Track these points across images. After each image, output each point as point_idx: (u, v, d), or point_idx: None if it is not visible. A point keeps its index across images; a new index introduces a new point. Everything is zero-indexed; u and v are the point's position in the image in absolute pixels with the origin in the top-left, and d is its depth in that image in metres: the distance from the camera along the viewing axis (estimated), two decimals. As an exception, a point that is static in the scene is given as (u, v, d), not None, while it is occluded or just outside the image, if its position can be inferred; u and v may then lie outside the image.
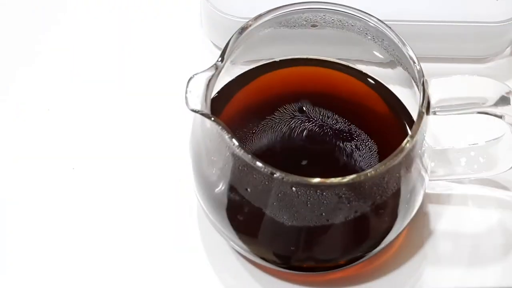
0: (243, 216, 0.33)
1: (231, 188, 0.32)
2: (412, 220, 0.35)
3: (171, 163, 0.40)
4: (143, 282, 0.37)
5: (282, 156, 0.36)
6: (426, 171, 0.35)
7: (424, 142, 0.33)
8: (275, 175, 0.29)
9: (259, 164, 0.29)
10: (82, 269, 0.37)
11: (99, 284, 0.36)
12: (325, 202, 0.30)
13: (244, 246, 0.34)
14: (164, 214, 0.39)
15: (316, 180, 0.29)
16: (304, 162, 0.35)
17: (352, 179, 0.29)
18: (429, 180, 0.35)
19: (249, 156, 0.29)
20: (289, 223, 0.31)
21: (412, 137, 0.31)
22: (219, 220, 0.34)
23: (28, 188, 0.39)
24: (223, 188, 0.32)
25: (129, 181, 0.40)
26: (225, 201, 0.33)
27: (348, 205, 0.31)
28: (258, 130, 0.36)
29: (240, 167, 0.30)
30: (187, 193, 0.38)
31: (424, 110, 0.32)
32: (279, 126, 0.36)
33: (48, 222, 0.38)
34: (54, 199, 0.39)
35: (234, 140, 0.30)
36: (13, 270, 0.37)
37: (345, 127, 0.37)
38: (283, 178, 0.29)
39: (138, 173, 0.40)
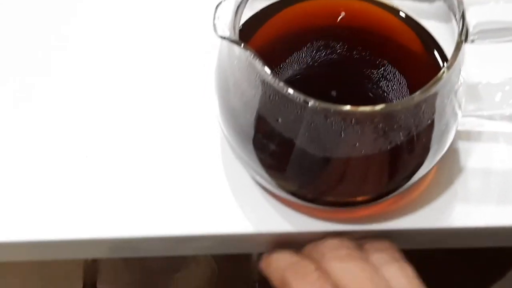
0: (271, 148, 0.32)
1: (260, 119, 0.31)
2: (442, 157, 0.34)
3: (194, 94, 0.39)
4: (166, 215, 0.36)
5: (311, 88, 0.34)
6: (459, 106, 0.34)
7: (459, 75, 0.32)
8: (309, 104, 0.28)
9: (292, 92, 0.28)
10: (106, 202, 0.36)
11: (123, 216, 0.36)
12: (360, 132, 0.29)
13: (271, 180, 0.33)
14: (187, 147, 0.38)
15: (353, 108, 0.27)
16: (333, 93, 0.34)
17: (389, 106, 0.28)
18: (462, 115, 0.34)
19: (282, 84, 0.28)
20: (321, 155, 0.30)
21: (449, 67, 0.30)
22: (246, 153, 0.33)
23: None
24: (251, 119, 0.31)
25: (151, 113, 0.39)
26: (253, 132, 0.32)
27: (383, 135, 0.29)
28: (286, 63, 0.35)
29: (270, 96, 0.29)
30: (210, 126, 0.37)
31: (462, 39, 0.30)
32: (307, 59, 0.35)
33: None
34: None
35: (265, 68, 0.28)
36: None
37: (375, 60, 0.35)
38: (317, 107, 0.28)
39: (161, 105, 0.39)
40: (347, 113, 0.28)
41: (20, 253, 0.37)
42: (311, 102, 0.28)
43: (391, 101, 0.34)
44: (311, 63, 0.35)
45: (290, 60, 0.35)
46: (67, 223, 0.36)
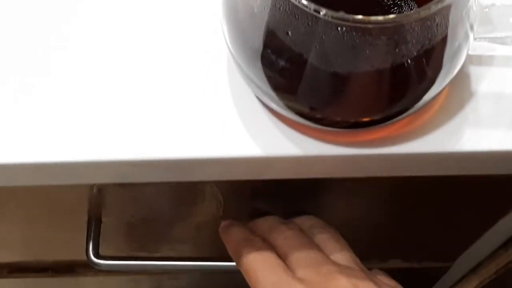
0: (280, 64, 0.31)
1: (269, 33, 0.30)
2: (453, 80, 0.34)
3: (199, 10, 0.38)
4: (172, 138, 0.35)
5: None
6: (471, 27, 0.33)
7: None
8: (320, 13, 0.27)
9: (304, 1, 0.27)
10: (113, 124, 0.36)
11: (130, 139, 0.35)
12: (372, 44, 0.28)
13: (279, 100, 0.33)
14: (192, 68, 0.37)
15: (366, 18, 0.26)
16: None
17: (404, 16, 0.27)
18: (473, 38, 0.34)
19: (292, -9, 0.27)
20: (331, 70, 0.30)
21: (463, -19, 0.29)
22: (253, 72, 0.32)
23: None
24: (259, 33, 0.30)
25: (155, 30, 0.38)
26: (261, 48, 0.31)
27: (396, 49, 0.29)
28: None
29: (280, 8, 0.28)
30: (216, 45, 0.37)
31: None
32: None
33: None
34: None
35: (276, -25, 0.28)
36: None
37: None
38: (329, 16, 0.27)
39: (165, 23, 0.38)
40: (360, 21, 0.27)
41: (25, 176, 0.37)
42: (322, 12, 0.27)
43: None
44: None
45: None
46: (75, 145, 0.35)
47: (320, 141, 0.35)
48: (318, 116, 0.33)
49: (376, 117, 0.33)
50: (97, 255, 0.51)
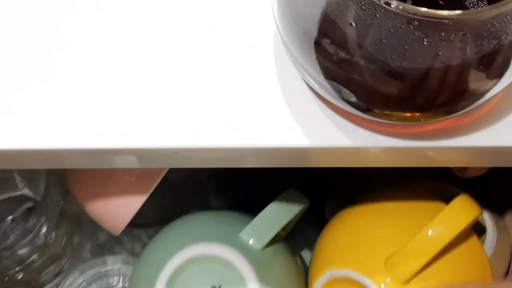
0: (340, 55, 0.29)
1: (329, 22, 0.28)
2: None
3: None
4: (219, 127, 0.34)
5: None
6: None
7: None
8: (392, 6, 0.25)
9: (373, -9, 0.25)
10: (162, 112, 0.34)
11: (178, 127, 0.34)
12: (444, 40, 0.26)
13: (334, 91, 0.31)
14: (239, 53, 0.35)
15: (447, 13, 0.25)
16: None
17: (480, 12, 0.25)
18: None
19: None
20: (394, 64, 0.28)
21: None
22: (307, 59, 0.30)
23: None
24: (316, 21, 0.29)
25: (201, 15, 0.36)
26: (318, 36, 0.29)
27: (467, 45, 0.27)
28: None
29: (346, -3, 0.27)
30: (265, 29, 0.35)
31: None
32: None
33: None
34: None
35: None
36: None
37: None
38: (401, 9, 0.25)
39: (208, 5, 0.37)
40: (436, 17, 0.25)
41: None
42: (393, 4, 0.25)
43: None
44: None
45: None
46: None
47: (374, 132, 0.34)
48: (374, 109, 0.31)
49: (436, 113, 0.31)
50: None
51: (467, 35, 0.27)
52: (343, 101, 0.32)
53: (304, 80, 0.34)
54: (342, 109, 0.33)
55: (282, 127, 0.34)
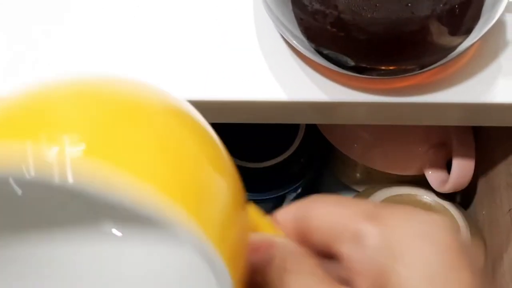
0: (314, 6, 0.29)
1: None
2: (490, 28, 0.32)
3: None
4: (199, 80, 0.34)
5: None
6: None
7: None
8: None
9: None
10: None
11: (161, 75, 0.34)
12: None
13: (309, 43, 0.31)
14: (218, 7, 0.36)
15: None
16: None
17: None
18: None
19: None
20: (368, 14, 0.28)
21: None
22: (282, 11, 0.31)
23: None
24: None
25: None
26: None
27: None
28: None
29: None
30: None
31: None
32: None
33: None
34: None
35: None
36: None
37: None
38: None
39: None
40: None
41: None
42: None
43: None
44: None
45: None
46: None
47: (349, 87, 0.34)
48: (350, 63, 0.32)
49: (410, 65, 0.31)
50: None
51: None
52: (317, 54, 0.32)
53: (281, 35, 0.35)
54: (317, 64, 0.34)
55: (259, 81, 0.34)
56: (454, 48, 0.31)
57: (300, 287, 0.21)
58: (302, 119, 0.37)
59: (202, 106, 0.34)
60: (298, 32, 0.31)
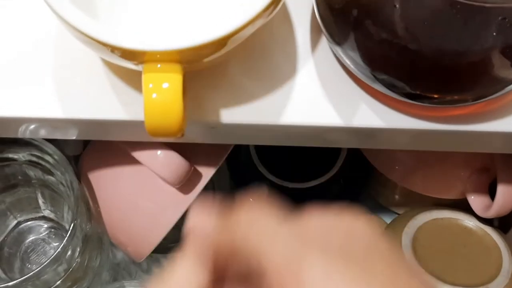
0: (381, 36, 0.29)
1: (372, 2, 0.29)
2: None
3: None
4: (253, 105, 0.35)
5: None
6: None
7: None
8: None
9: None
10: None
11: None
12: (487, 23, 0.27)
13: (370, 71, 0.32)
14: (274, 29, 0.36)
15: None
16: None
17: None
18: None
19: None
20: (437, 46, 0.28)
21: None
22: (344, 38, 0.31)
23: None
24: (360, 5, 0.29)
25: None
26: (358, 16, 0.30)
27: (507, 29, 0.28)
28: None
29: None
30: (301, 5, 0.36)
31: None
32: None
33: None
34: None
35: None
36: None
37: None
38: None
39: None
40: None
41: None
42: (440, -13, 0.26)
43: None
44: None
45: None
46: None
47: (404, 113, 0.35)
48: (407, 89, 0.32)
49: (466, 96, 0.32)
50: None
51: (506, 19, 0.27)
52: (377, 82, 0.32)
53: (337, 58, 0.35)
54: (373, 89, 0.34)
55: (314, 105, 0.35)
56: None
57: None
58: (352, 143, 0.37)
59: (257, 129, 0.35)
60: (358, 58, 0.32)
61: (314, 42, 0.36)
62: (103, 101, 0.34)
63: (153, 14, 0.34)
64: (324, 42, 0.35)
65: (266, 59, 0.35)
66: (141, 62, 0.29)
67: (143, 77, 0.29)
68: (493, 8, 0.27)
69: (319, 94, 0.35)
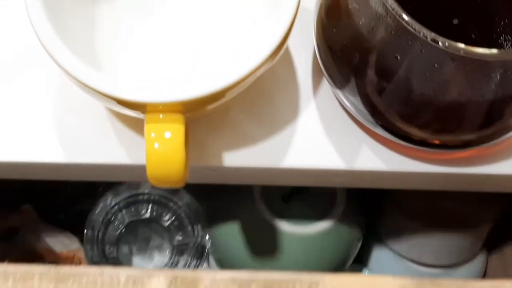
0: (382, 85, 0.30)
1: (373, 53, 0.29)
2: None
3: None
4: (254, 149, 0.35)
5: (429, 17, 0.31)
6: None
7: None
8: (440, 43, 0.26)
9: (424, 31, 0.26)
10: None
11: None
12: (488, 76, 0.27)
13: (373, 117, 0.32)
14: (276, 72, 0.36)
15: (494, 51, 0.25)
16: (455, 21, 0.31)
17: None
18: None
19: (409, 18, 0.26)
20: (438, 97, 0.28)
21: None
22: (347, 84, 0.31)
23: None
24: (364, 52, 0.29)
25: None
26: (359, 65, 0.30)
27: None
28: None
29: (392, 32, 0.27)
30: (304, 52, 0.36)
31: None
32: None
33: None
34: None
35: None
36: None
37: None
38: (447, 47, 0.26)
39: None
40: (482, 55, 0.25)
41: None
42: (441, 42, 0.26)
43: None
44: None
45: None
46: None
47: (407, 156, 0.35)
48: (411, 136, 0.32)
49: (469, 143, 0.32)
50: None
51: (508, 72, 0.27)
52: (379, 127, 0.32)
53: (339, 102, 0.35)
54: (375, 132, 0.34)
55: (317, 148, 0.35)
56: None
57: None
58: (358, 184, 0.37)
59: (259, 171, 0.35)
60: (359, 103, 0.32)
61: (316, 84, 0.36)
62: (106, 145, 0.35)
63: (155, 59, 0.34)
64: (326, 85, 0.36)
65: (267, 102, 0.35)
66: (143, 112, 0.29)
67: (146, 127, 0.29)
68: (494, 62, 0.27)
69: (321, 137, 0.35)
